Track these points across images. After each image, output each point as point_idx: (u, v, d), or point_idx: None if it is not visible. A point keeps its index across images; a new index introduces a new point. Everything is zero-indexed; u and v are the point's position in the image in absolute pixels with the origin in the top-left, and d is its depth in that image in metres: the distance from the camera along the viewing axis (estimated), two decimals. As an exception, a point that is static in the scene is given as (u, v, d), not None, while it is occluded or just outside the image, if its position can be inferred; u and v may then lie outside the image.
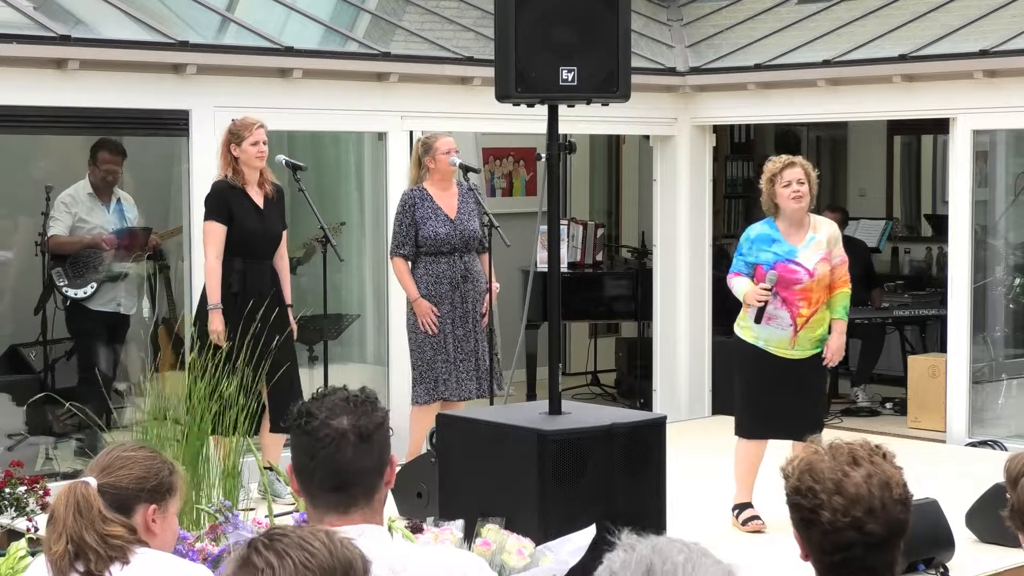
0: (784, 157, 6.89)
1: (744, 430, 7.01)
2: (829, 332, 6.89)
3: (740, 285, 6.82)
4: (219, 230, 7.13)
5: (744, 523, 6.93)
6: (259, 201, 7.23)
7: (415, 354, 7.67)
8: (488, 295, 7.72)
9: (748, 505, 6.97)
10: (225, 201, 7.15)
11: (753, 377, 6.92)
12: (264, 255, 7.26)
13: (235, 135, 7.15)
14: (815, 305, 6.78)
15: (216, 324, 7.01)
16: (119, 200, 8.39)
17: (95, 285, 8.24)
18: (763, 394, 6.88)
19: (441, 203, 7.65)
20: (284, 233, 7.41)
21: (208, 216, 7.17)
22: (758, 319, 6.77)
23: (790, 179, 6.72)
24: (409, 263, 7.68)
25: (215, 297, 7.06)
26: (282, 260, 7.40)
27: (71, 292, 8.19)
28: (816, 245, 6.82)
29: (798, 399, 6.87)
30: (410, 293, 7.62)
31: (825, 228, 6.91)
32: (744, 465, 6.98)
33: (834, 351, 6.89)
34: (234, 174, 7.15)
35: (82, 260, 8.23)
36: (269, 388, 7.05)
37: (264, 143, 7.17)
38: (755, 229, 6.89)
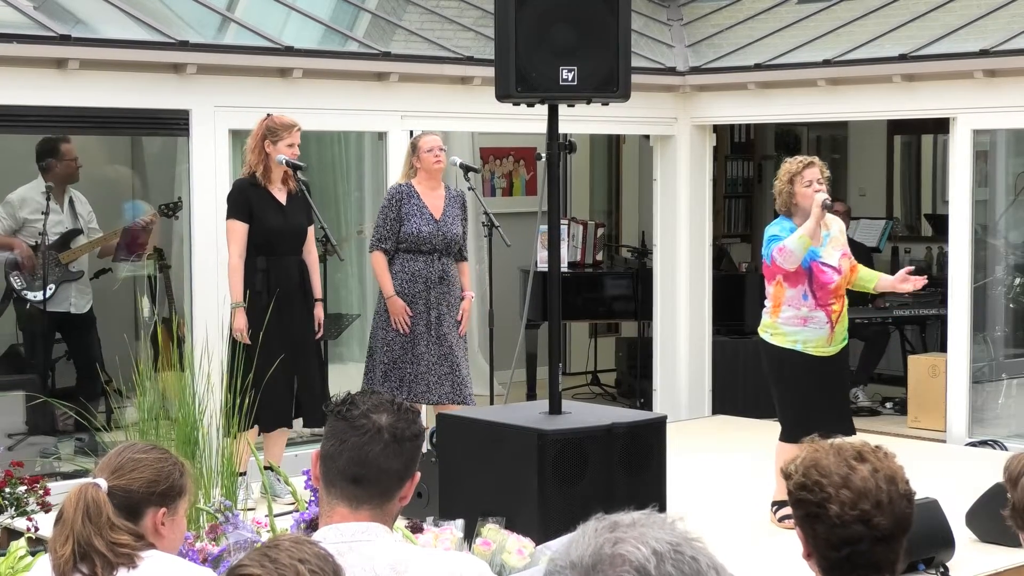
0: (802, 157, 7.01)
1: (801, 435, 6.85)
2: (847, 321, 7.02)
3: (791, 237, 6.76)
4: (240, 228, 7.15)
5: (781, 520, 6.95)
6: (282, 198, 7.25)
7: (382, 351, 7.58)
8: (464, 302, 7.70)
9: (787, 503, 6.95)
10: (245, 199, 7.17)
11: (803, 383, 6.89)
12: (288, 251, 7.28)
13: (273, 133, 7.17)
14: (842, 299, 6.95)
15: (239, 322, 7.05)
16: (71, 200, 8.37)
17: (53, 287, 8.22)
18: (816, 397, 6.88)
19: (428, 202, 7.62)
20: (312, 228, 7.42)
21: (229, 215, 7.21)
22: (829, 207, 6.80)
23: (811, 178, 6.85)
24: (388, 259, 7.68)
25: (237, 295, 7.11)
26: (311, 255, 7.42)
27: (31, 296, 8.18)
28: (833, 242, 6.93)
29: (843, 394, 7.10)
30: (385, 290, 7.58)
31: (835, 223, 7.04)
32: None
33: (914, 279, 6.99)
34: (264, 170, 7.18)
35: (38, 263, 8.19)
36: (300, 385, 7.24)
37: (299, 146, 7.23)
38: (777, 226, 6.89)
